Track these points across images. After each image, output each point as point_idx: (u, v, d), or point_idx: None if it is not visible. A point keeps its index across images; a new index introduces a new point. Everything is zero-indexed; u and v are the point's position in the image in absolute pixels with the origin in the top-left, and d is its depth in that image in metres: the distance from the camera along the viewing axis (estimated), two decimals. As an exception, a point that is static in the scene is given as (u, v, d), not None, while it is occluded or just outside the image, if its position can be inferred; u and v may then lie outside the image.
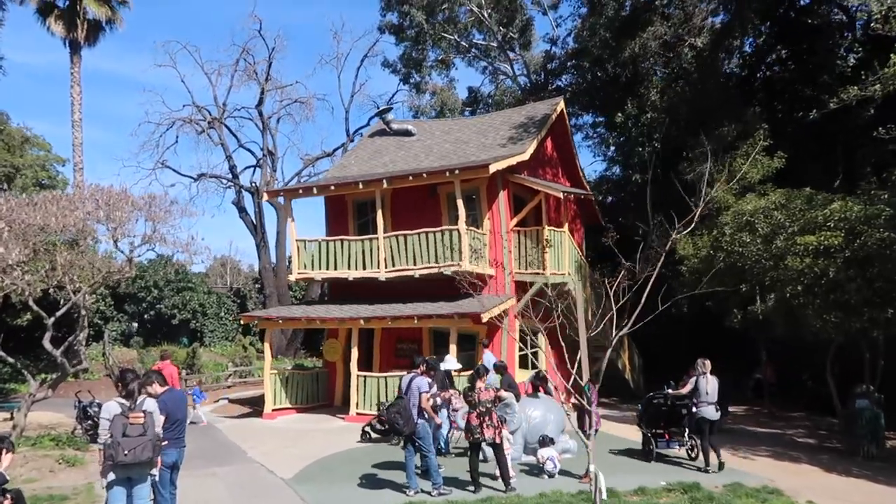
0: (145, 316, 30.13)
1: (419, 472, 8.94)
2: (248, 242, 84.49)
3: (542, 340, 18.15)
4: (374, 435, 12.61)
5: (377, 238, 16.19)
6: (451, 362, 12.02)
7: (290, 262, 34.84)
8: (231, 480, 9.74)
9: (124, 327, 29.85)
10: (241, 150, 30.92)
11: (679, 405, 10.63)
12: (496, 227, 16.60)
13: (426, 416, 8.54)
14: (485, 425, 8.54)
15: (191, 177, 29.39)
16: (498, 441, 8.65)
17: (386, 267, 16.06)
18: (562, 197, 16.54)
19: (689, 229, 16.54)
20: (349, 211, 18.22)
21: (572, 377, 7.28)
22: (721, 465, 9.75)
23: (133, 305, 30.11)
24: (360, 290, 17.02)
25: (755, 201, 13.29)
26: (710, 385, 10.15)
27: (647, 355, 21.86)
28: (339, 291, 17.99)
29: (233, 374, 23.87)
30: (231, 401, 19.85)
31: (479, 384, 8.74)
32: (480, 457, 10.29)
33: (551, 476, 9.36)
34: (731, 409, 15.44)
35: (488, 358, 14.30)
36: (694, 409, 10.19)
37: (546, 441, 9.68)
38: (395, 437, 11.84)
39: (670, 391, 11.13)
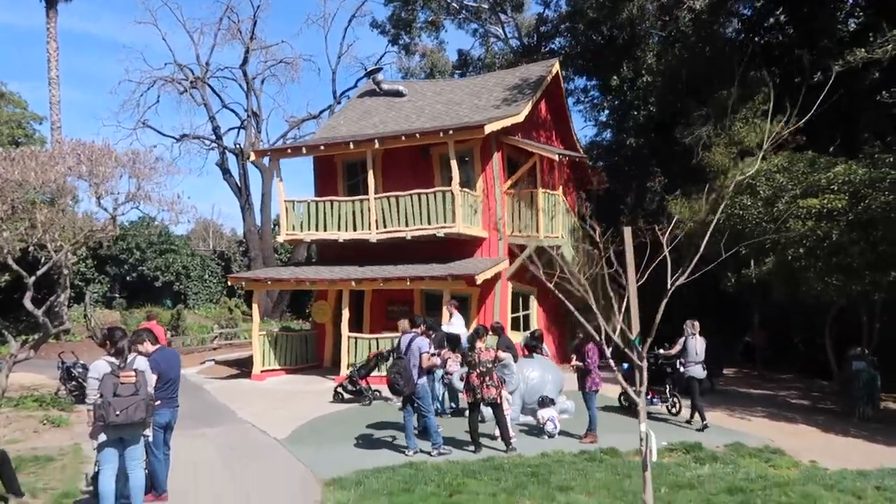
0: (127, 278, 29.57)
1: (417, 432, 8.76)
2: (231, 206, 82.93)
3: (533, 303, 18.10)
4: (346, 395, 12.41)
5: (368, 199, 15.82)
6: (457, 325, 11.75)
7: (275, 224, 34.33)
8: (222, 441, 9.50)
9: (106, 289, 29.28)
10: (224, 111, 30.06)
11: (664, 365, 11.20)
12: (489, 189, 16.29)
13: (426, 376, 8.34)
14: (485, 385, 8.34)
15: (173, 137, 28.67)
16: (498, 401, 8.47)
17: (377, 228, 15.72)
18: (556, 159, 16.22)
19: (685, 192, 16.52)
20: (339, 172, 17.78)
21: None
22: (704, 426, 9.86)
23: (115, 267, 29.50)
24: (350, 253, 16.71)
25: (756, 164, 13.07)
26: (698, 346, 10.51)
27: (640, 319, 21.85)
28: (329, 253, 17.65)
29: (218, 335, 23.56)
30: (217, 362, 19.57)
31: (479, 344, 8.53)
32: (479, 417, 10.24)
33: (551, 436, 9.24)
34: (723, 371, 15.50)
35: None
36: (682, 369, 10.60)
37: (546, 402, 9.54)
38: (367, 399, 12.13)
39: (661, 352, 11.29)
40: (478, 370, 8.39)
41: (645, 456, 3.74)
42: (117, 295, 29.34)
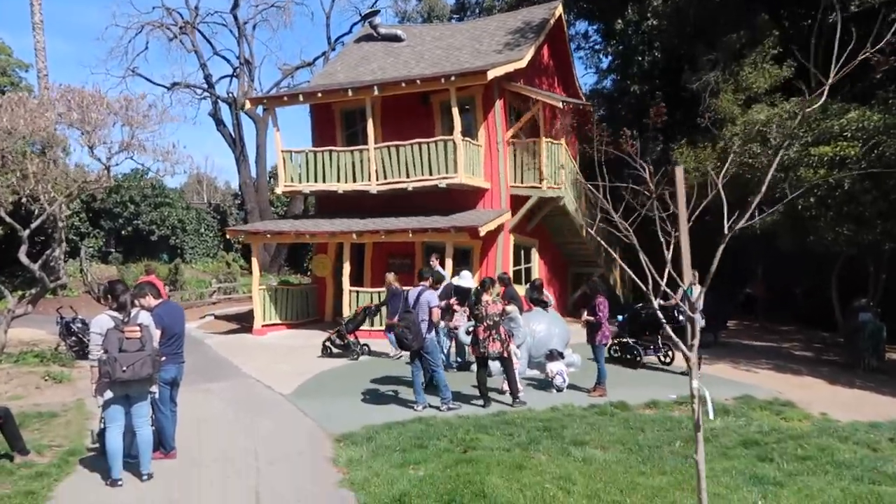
0: (122, 232, 29.22)
1: (425, 386, 8.66)
2: (224, 158, 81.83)
3: (535, 255, 17.94)
4: (334, 350, 12.30)
5: (368, 149, 15.44)
6: (466, 279, 11.56)
7: (271, 177, 33.86)
8: (228, 396, 9.42)
9: (101, 244, 28.96)
10: (215, 59, 29.28)
11: (660, 315, 10.99)
12: (492, 138, 15.91)
13: (434, 330, 8.19)
14: (492, 339, 8.21)
15: (164, 86, 27.90)
16: (506, 355, 8.36)
17: (377, 179, 15.40)
18: (561, 107, 15.80)
19: (691, 141, 16.19)
20: (337, 121, 17.32)
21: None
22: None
23: (110, 221, 29.12)
24: (350, 205, 16.42)
25: (767, 111, 12.73)
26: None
27: (635, 271, 21.78)
28: (328, 206, 17.35)
29: (217, 290, 23.42)
30: (217, 317, 19.48)
31: (486, 297, 8.35)
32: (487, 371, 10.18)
33: (559, 390, 9.17)
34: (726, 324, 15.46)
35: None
36: (681, 318, 10.37)
37: (554, 355, 9.44)
38: (354, 354, 12.04)
39: (661, 302, 11.24)
40: (485, 323, 8.24)
41: (697, 416, 3.57)
42: (113, 249, 29.04)
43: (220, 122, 29.02)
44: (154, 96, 44.13)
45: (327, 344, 12.38)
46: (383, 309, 12.70)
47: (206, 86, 28.98)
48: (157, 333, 6.26)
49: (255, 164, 29.91)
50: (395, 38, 18.84)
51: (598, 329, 8.87)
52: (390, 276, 12.29)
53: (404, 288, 14.54)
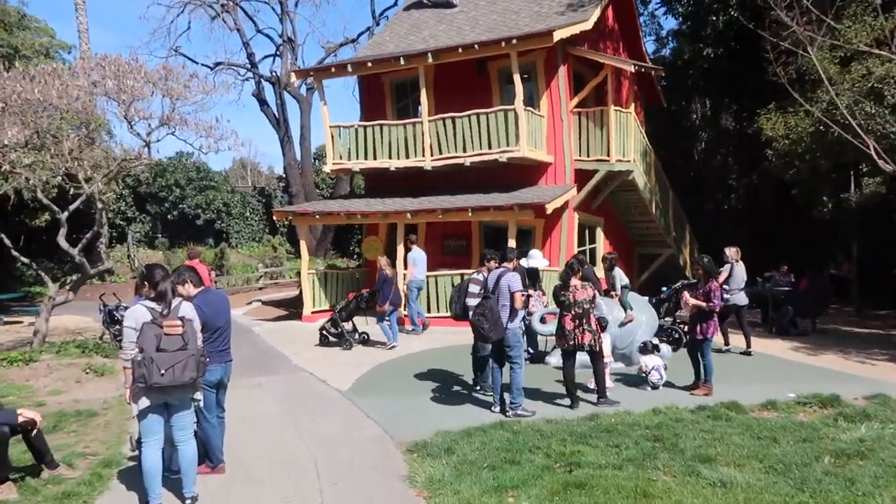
0: (168, 217, 28.88)
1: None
2: (267, 144, 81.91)
3: (600, 235, 16.64)
4: (331, 339, 11.52)
5: (421, 122, 14.34)
6: (537, 258, 10.40)
7: (316, 158, 33.10)
8: (281, 392, 8.51)
9: (148, 228, 28.68)
10: (258, 39, 28.46)
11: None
12: (555, 108, 14.62)
13: (519, 318, 7.07)
14: (582, 330, 7.06)
15: (207, 66, 27.28)
16: (597, 349, 7.20)
17: (432, 154, 14.30)
18: (632, 71, 14.37)
19: (780, 106, 14.58)
20: (387, 93, 16.26)
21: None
22: (748, 352, 10.16)
23: (155, 205, 28.81)
24: (401, 183, 15.38)
25: (885, 65, 11.12)
26: (741, 273, 10.58)
27: (707, 250, 20.26)
28: (377, 185, 16.36)
29: (263, 275, 22.78)
30: (264, 303, 18.78)
31: (574, 281, 7.19)
32: (552, 363, 9.03)
33: (655, 387, 7.97)
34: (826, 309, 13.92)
35: (416, 255, 13.11)
36: (727, 296, 10.01)
37: (649, 347, 8.23)
38: (347, 343, 11.26)
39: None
40: (573, 311, 7.09)
41: None
42: (160, 234, 28.73)
43: (263, 103, 28.30)
44: (194, 67, 43.77)
45: (323, 332, 11.68)
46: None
47: (249, 65, 28.27)
48: (199, 327, 5.38)
49: (300, 145, 29.14)
50: (447, 4, 17.60)
51: (708, 318, 7.61)
52: (382, 261, 11.66)
53: (464, 272, 13.57)
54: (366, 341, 11.65)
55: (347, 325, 11.59)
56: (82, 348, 11.09)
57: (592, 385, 7.64)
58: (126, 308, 11.92)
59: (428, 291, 13.65)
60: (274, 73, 28.20)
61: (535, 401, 7.43)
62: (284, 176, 30.84)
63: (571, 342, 7.08)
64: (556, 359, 9.07)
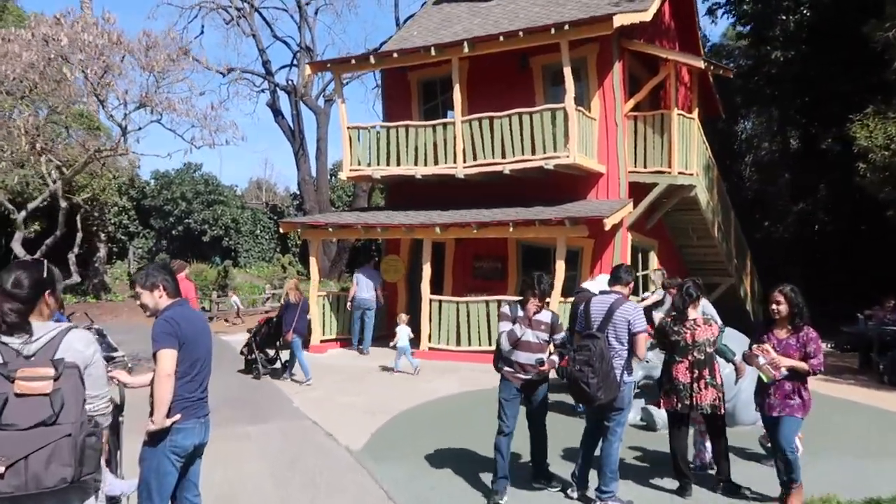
0: (173, 232, 27.11)
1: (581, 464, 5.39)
2: (283, 161, 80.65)
3: (653, 260, 14.50)
4: (262, 369, 10.12)
5: (454, 122, 12.37)
6: (602, 282, 8.16)
7: (332, 175, 31.30)
8: (274, 449, 6.42)
9: (151, 244, 26.92)
10: (275, 47, 26.96)
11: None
12: (608, 110, 12.61)
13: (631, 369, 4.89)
14: (702, 383, 4.91)
15: (220, 72, 25.66)
16: (721, 411, 5.04)
17: (465, 161, 12.31)
18: (702, 68, 12.33)
19: (878, 111, 12.48)
20: (413, 93, 14.36)
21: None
22: None
23: (160, 220, 27.08)
24: (427, 196, 13.39)
25: None
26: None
27: (767, 282, 18.05)
28: (400, 197, 14.36)
29: (271, 297, 20.82)
30: (269, 328, 16.73)
31: (693, 313, 5.07)
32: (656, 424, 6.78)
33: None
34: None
35: (360, 275, 12.23)
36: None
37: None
38: (255, 371, 9.96)
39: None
40: (689, 357, 4.96)
41: None
42: (162, 251, 26.96)
43: (278, 113, 26.63)
44: (210, 90, 42.32)
45: (254, 365, 10.33)
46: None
47: (264, 73, 26.65)
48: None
49: (316, 160, 27.37)
50: (482, -2, 15.76)
51: (802, 387, 4.67)
52: (291, 283, 10.54)
53: (500, 298, 11.48)
54: (274, 373, 10.20)
55: (271, 352, 10.49)
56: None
57: (707, 457, 5.49)
58: (99, 331, 9.94)
59: (458, 320, 11.57)
60: (290, 82, 26.58)
61: (624, 479, 5.25)
62: (298, 192, 29.05)
63: (686, 401, 4.93)
64: (633, 412, 6.89)
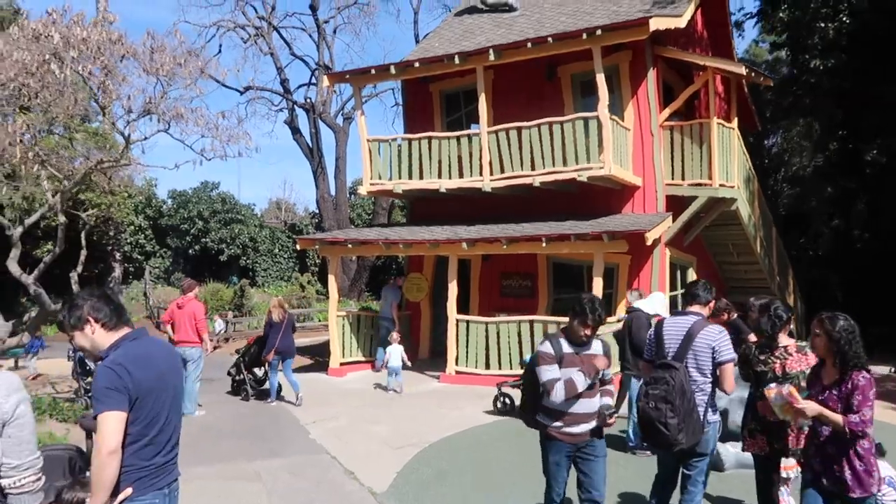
0: (190, 251, 26.71)
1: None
2: (303, 182, 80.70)
3: (692, 277, 13.68)
4: (250, 390, 9.82)
5: (479, 134, 11.74)
6: (658, 302, 7.32)
7: (351, 192, 30.84)
8: (284, 491, 5.71)
9: (168, 264, 26.52)
10: (292, 66, 26.59)
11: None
12: (643, 120, 11.92)
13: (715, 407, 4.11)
14: (794, 424, 4.14)
15: (237, 90, 25.41)
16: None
17: (492, 173, 11.65)
18: (743, 74, 11.59)
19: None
20: (435, 105, 13.79)
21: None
22: None
23: (176, 239, 26.70)
24: (450, 212, 12.76)
25: None
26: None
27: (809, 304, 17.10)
28: (422, 213, 13.72)
29: (288, 317, 20.18)
30: (286, 350, 16.10)
31: (784, 339, 4.32)
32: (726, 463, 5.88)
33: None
34: None
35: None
36: None
37: (881, 449, 5.23)
38: (244, 393, 9.75)
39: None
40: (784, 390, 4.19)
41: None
42: (178, 270, 26.55)
43: (296, 131, 26.29)
44: (228, 107, 42.33)
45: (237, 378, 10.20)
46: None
47: (282, 91, 26.34)
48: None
49: (335, 178, 26.94)
50: (507, 8, 15.21)
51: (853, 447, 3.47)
52: (274, 301, 10.00)
53: (532, 317, 10.75)
54: (276, 396, 9.62)
55: (259, 372, 10.12)
56: (53, 408, 8.41)
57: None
58: (79, 359, 9.23)
59: (487, 342, 10.84)
60: (308, 100, 26.22)
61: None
62: (317, 211, 28.60)
63: (776, 444, 4.16)
64: (730, 455, 5.98)
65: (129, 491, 2.54)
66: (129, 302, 23.04)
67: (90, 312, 2.67)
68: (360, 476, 6.08)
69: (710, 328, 4.05)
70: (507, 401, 8.51)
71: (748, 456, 5.04)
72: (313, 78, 27.12)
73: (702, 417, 3.86)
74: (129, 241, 25.06)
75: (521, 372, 9.44)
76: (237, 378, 10.06)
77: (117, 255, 22.22)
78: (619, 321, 7.13)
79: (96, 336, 2.68)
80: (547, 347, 3.96)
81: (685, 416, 3.72)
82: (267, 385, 9.82)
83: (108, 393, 2.47)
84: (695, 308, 4.22)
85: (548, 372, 3.87)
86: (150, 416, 2.61)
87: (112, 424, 2.44)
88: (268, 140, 54.67)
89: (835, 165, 16.17)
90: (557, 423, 3.91)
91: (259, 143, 25.72)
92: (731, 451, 5.82)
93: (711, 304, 4.34)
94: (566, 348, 3.92)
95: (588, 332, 3.92)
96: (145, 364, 2.63)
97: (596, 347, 4.01)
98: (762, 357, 4.26)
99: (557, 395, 3.83)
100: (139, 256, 25.52)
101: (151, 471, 2.63)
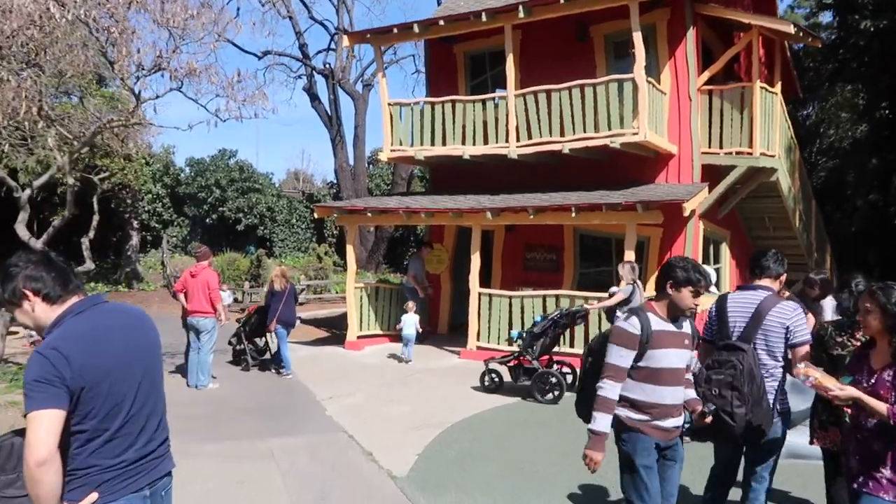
0: (207, 220, 26.41)
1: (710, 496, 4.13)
2: (322, 153, 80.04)
3: (725, 253, 13.07)
4: (251, 360, 9.69)
5: (505, 97, 11.13)
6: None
7: (370, 163, 30.29)
8: (299, 473, 5.31)
9: (186, 232, 26.27)
10: (312, 31, 25.82)
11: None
12: (680, 83, 11.21)
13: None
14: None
15: (255, 54, 24.82)
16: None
17: (518, 139, 11.06)
18: (792, 33, 10.78)
19: None
20: (460, 68, 13.16)
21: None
22: None
23: (194, 208, 26.40)
24: (475, 180, 12.23)
25: None
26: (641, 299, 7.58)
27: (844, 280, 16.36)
28: (445, 180, 13.20)
29: (306, 288, 19.89)
30: (303, 321, 15.75)
31: (873, 319, 3.74)
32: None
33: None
34: None
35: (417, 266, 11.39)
36: None
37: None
38: (244, 363, 9.67)
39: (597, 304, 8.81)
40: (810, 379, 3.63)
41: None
42: (196, 238, 26.31)
43: (315, 98, 25.67)
44: (242, 56, 41.78)
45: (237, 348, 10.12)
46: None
47: (301, 56, 25.70)
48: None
49: (353, 147, 26.38)
50: (535, -35, 14.41)
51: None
52: (277, 270, 9.87)
53: (557, 292, 10.25)
54: (263, 365, 9.72)
55: (260, 342, 10.14)
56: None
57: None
58: None
59: (511, 317, 10.36)
60: (328, 66, 25.58)
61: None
62: (335, 181, 28.13)
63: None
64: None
65: (93, 496, 2.06)
66: (147, 271, 22.85)
67: (26, 283, 2.14)
68: (378, 458, 5.67)
69: (784, 305, 3.48)
70: (496, 377, 8.22)
71: (800, 444, 4.55)
72: (332, 43, 26.41)
73: (772, 405, 3.33)
74: (146, 209, 24.80)
75: (510, 349, 9.26)
76: (238, 347, 10.00)
77: (135, 224, 21.95)
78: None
79: (38, 312, 2.15)
80: (629, 326, 3.16)
81: (754, 405, 3.19)
82: (267, 355, 9.96)
83: (38, 387, 1.96)
84: (764, 282, 3.65)
85: (620, 354, 3.13)
86: (108, 405, 2.09)
87: (43, 426, 1.92)
88: (286, 108, 54.03)
89: (881, 135, 15.29)
90: (643, 417, 3.18)
91: (277, 108, 25.24)
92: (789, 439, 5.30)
93: (783, 278, 3.78)
94: (659, 325, 3.18)
95: (697, 302, 3.21)
96: (93, 343, 2.10)
97: (686, 326, 3.29)
98: (839, 339, 3.70)
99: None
100: (157, 225, 25.28)
101: (121, 470, 2.13)
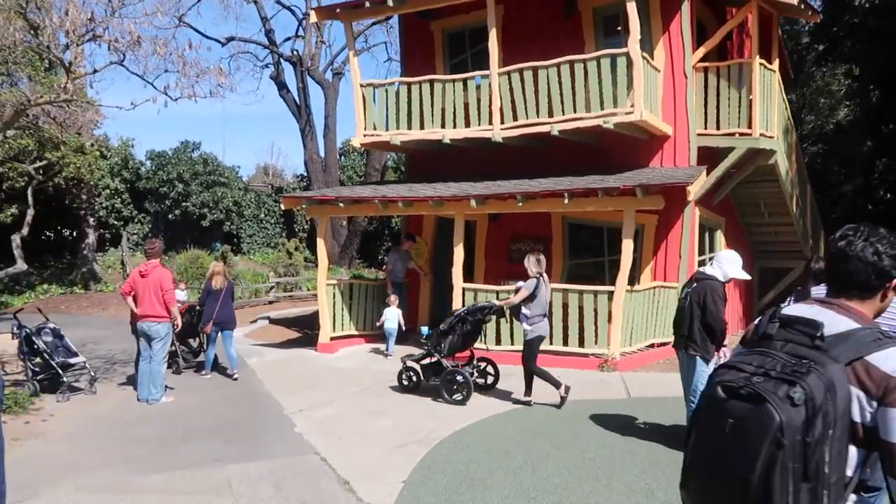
0: (170, 216, 25.11)
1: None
2: (292, 148, 78.44)
3: (720, 240, 12.42)
4: (182, 362, 9.12)
5: (488, 75, 10.25)
6: (734, 263, 5.78)
7: (341, 154, 29.21)
8: (262, 512, 4.39)
9: (147, 230, 24.95)
10: (279, 17, 24.62)
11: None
12: (675, 60, 10.46)
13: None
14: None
15: (218, 41, 23.56)
16: None
17: (502, 121, 10.20)
18: (795, 3, 10.07)
19: None
20: (437, 46, 12.26)
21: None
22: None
23: (155, 203, 25.09)
24: (455, 166, 11.38)
25: None
26: (547, 292, 7.25)
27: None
28: (422, 169, 12.31)
29: (275, 286, 18.85)
30: (272, 321, 14.82)
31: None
32: None
33: None
34: None
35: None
36: (527, 326, 7.09)
37: None
38: (175, 365, 8.80)
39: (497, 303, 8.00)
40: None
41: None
42: (158, 236, 25.01)
43: (283, 87, 24.53)
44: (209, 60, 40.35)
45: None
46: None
47: (267, 42, 24.50)
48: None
49: (324, 137, 25.30)
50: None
51: None
52: (215, 267, 9.02)
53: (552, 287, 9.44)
54: (197, 368, 9.12)
55: (194, 343, 9.57)
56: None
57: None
58: (54, 330, 8.04)
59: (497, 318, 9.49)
60: (295, 53, 24.43)
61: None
62: (306, 173, 27.01)
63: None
64: None
65: None
66: (106, 271, 21.56)
67: None
68: (356, 487, 4.77)
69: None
70: (414, 376, 7.67)
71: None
72: (300, 30, 25.27)
73: None
74: (104, 205, 23.44)
75: (499, 348, 8.51)
76: (169, 349, 8.99)
77: (91, 221, 20.63)
78: (685, 292, 5.74)
79: None
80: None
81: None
82: (203, 357, 9.16)
83: None
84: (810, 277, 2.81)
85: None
86: None
87: None
88: (252, 99, 52.50)
89: (870, 118, 14.80)
90: None
91: (236, 86, 23.88)
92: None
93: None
94: None
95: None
96: None
97: None
98: None
99: None
100: (116, 222, 23.94)
101: None
